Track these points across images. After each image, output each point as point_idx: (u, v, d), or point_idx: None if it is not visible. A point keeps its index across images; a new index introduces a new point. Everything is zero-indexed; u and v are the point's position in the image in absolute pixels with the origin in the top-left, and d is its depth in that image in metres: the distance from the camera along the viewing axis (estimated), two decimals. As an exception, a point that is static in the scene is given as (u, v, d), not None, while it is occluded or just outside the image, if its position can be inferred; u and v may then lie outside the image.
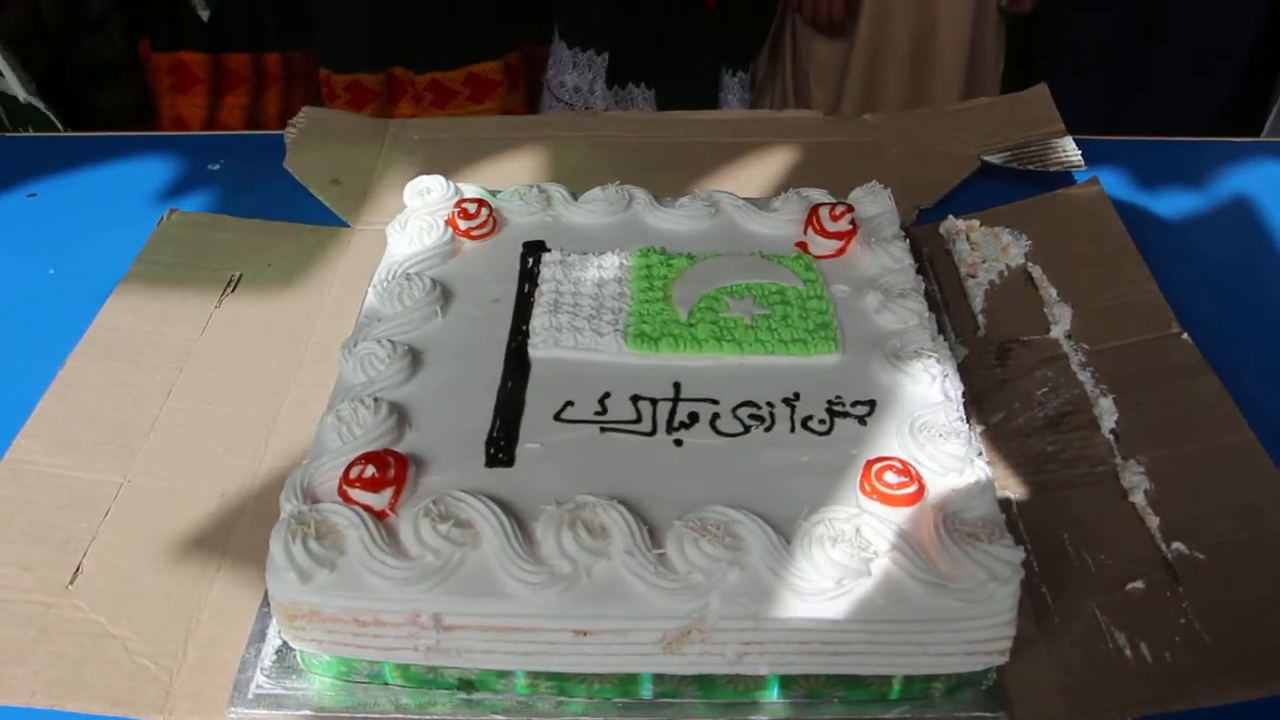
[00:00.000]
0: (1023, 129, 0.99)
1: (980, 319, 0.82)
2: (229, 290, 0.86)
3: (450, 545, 0.54)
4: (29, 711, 0.57)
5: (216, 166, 1.03)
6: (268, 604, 0.61)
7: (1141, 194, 0.97)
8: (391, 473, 0.57)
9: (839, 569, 0.52)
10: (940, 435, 0.59)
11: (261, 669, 0.58)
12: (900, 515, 0.55)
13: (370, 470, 0.57)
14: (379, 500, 0.56)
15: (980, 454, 0.59)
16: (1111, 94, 1.62)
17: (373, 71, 1.86)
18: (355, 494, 0.56)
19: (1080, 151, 0.95)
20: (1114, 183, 0.95)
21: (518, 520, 0.55)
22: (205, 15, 1.59)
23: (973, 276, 0.86)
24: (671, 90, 1.74)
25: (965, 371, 0.77)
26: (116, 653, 0.60)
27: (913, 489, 0.55)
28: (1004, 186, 0.95)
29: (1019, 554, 0.53)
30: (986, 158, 0.97)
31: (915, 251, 0.84)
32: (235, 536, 0.66)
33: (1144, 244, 0.85)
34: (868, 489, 0.56)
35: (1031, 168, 0.95)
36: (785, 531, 0.54)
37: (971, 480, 0.57)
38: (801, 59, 1.78)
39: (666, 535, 0.54)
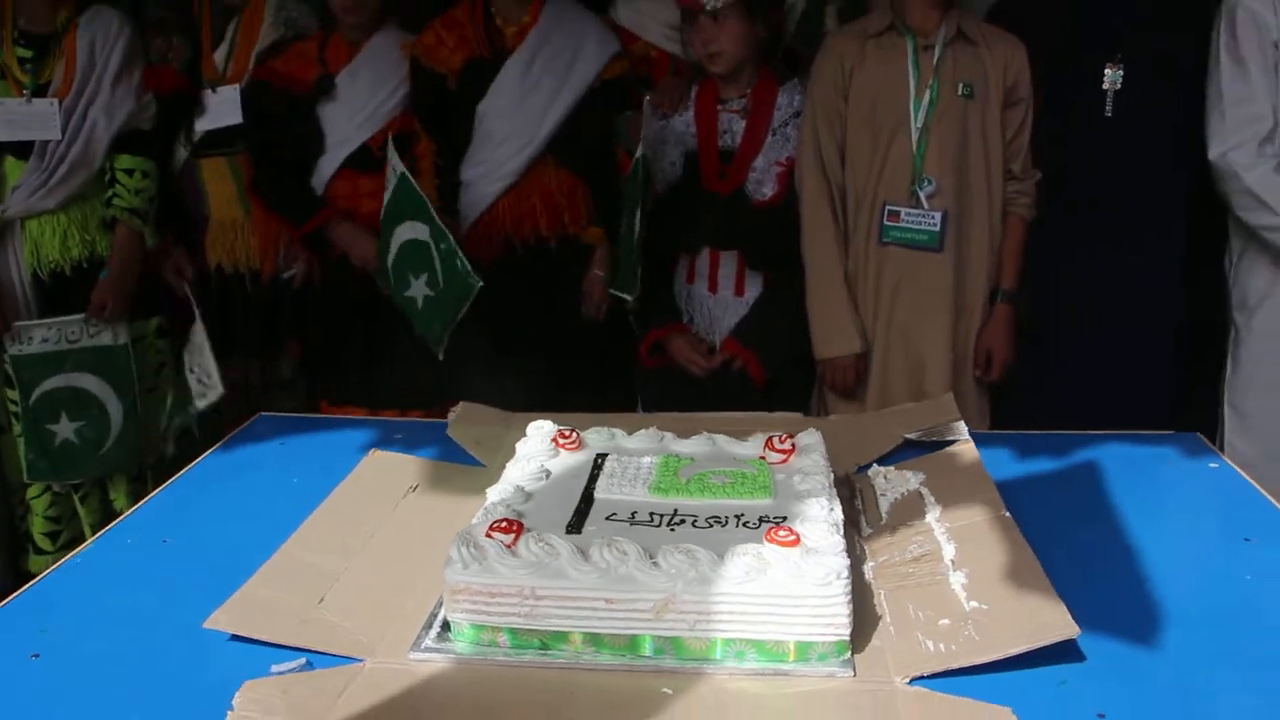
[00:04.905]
0: (934, 417, 1.58)
1: (885, 517, 1.35)
2: (410, 491, 1.45)
3: (545, 554, 1.07)
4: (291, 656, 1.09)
5: (400, 436, 1.67)
6: (430, 617, 1.13)
7: (1005, 457, 1.52)
8: (515, 528, 1.12)
9: (746, 568, 1.04)
10: (815, 522, 1.12)
11: (428, 637, 1.10)
12: (785, 550, 1.07)
13: (504, 524, 1.12)
14: (507, 539, 1.10)
15: (839, 531, 1.11)
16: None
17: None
18: (495, 535, 1.11)
19: (968, 429, 1.52)
20: (989, 456, 1.50)
21: (580, 550, 1.09)
22: (440, 353, 2.36)
23: (884, 496, 1.40)
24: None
25: (869, 540, 1.29)
26: (344, 634, 1.12)
27: (792, 539, 1.07)
28: (915, 450, 1.52)
29: (846, 561, 1.04)
30: (907, 435, 1.55)
31: (850, 487, 1.40)
32: (413, 597, 1.19)
33: (999, 479, 1.39)
34: (768, 539, 1.08)
35: (934, 439, 1.52)
36: (721, 555, 1.06)
37: (829, 540, 1.09)
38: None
39: (657, 554, 1.07)
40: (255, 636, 1.10)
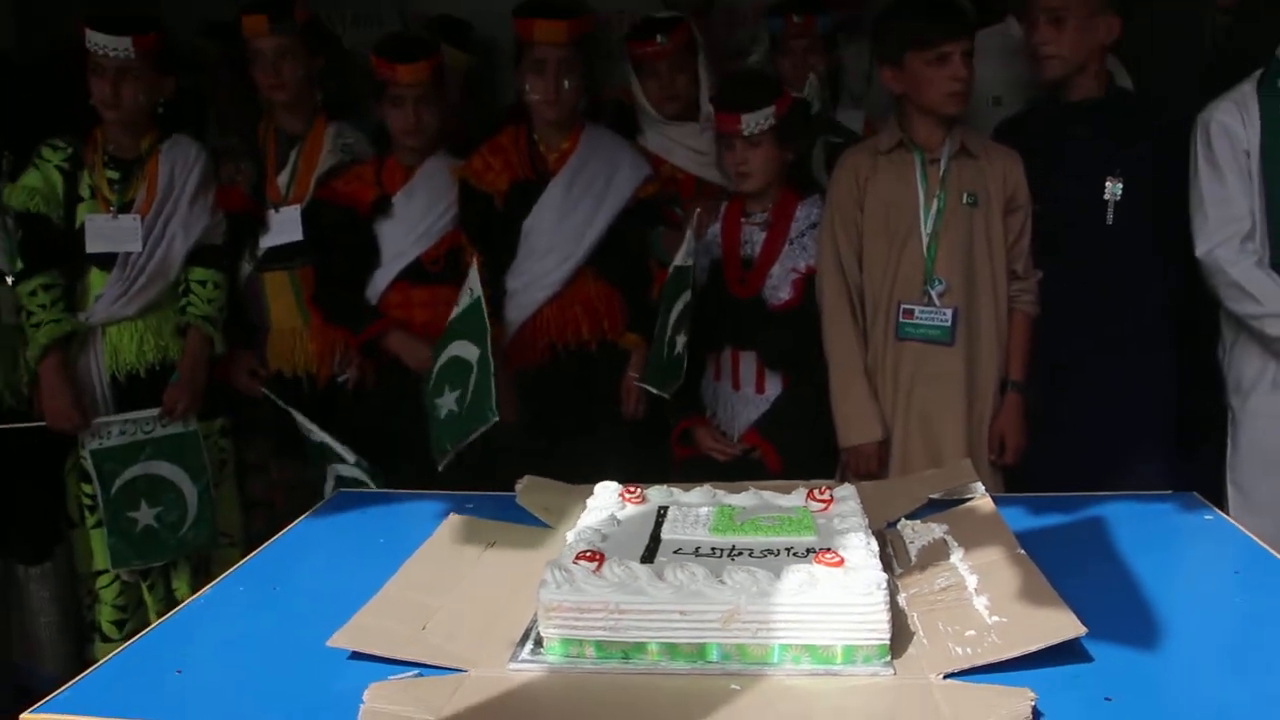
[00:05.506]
0: (954, 480, 1.78)
1: (914, 559, 1.54)
2: (489, 547, 1.65)
3: (626, 575, 1.27)
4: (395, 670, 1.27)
5: (470, 506, 1.87)
6: (523, 636, 1.32)
7: (1017, 514, 1.71)
8: (599, 556, 1.32)
9: (799, 582, 1.23)
10: (856, 549, 1.31)
11: (523, 651, 1.28)
12: (831, 569, 1.26)
13: (588, 553, 1.32)
14: (592, 566, 1.30)
15: (876, 555, 1.31)
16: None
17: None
18: (581, 562, 1.31)
19: (984, 488, 1.72)
20: (1003, 514, 1.70)
21: (655, 573, 1.29)
22: (441, 465, 2.52)
23: (912, 544, 1.59)
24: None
25: (901, 578, 1.48)
26: (448, 651, 1.30)
27: (838, 560, 1.27)
28: (938, 507, 1.72)
29: (884, 577, 1.23)
30: (931, 495, 1.75)
31: (881, 539, 1.60)
32: (505, 623, 1.38)
33: (1015, 528, 1.59)
34: (816, 560, 1.28)
35: (954, 497, 1.72)
36: (777, 574, 1.26)
37: (869, 560, 1.28)
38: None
39: (723, 573, 1.27)
40: (373, 652, 1.29)
